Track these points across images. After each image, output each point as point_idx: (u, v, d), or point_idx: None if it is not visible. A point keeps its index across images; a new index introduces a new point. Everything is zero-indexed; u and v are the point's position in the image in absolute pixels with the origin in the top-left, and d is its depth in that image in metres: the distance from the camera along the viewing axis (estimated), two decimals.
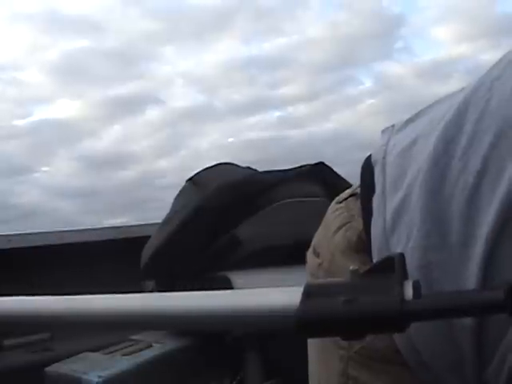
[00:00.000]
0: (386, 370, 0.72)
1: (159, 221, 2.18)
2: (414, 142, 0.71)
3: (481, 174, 0.60)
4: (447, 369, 0.67)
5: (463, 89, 0.69)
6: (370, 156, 0.78)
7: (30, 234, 2.58)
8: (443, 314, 0.49)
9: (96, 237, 2.70)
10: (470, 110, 0.64)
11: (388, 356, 0.70)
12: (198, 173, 2.13)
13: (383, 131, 0.80)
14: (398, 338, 0.69)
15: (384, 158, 0.74)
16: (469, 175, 0.61)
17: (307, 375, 0.85)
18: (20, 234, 2.54)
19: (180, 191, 2.15)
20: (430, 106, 0.77)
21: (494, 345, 0.61)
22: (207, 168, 2.16)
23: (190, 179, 2.12)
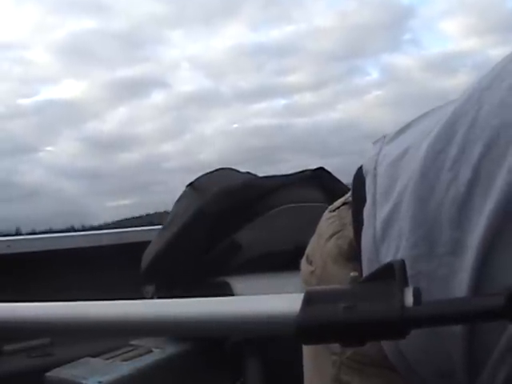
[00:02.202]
0: (377, 374, 0.72)
1: (159, 226, 2.18)
2: (404, 153, 0.72)
3: (472, 184, 0.61)
4: (436, 375, 0.67)
5: (453, 100, 0.70)
6: (361, 166, 0.79)
7: (29, 239, 2.58)
8: (443, 321, 0.49)
9: (96, 242, 2.70)
10: (459, 120, 0.65)
11: (379, 360, 0.70)
12: (197, 178, 2.14)
13: (375, 142, 0.81)
14: (385, 344, 0.69)
15: (375, 168, 0.75)
16: (460, 185, 0.61)
17: None
18: (19, 240, 2.55)
19: (180, 196, 2.15)
20: (420, 117, 0.77)
21: (487, 351, 0.61)
22: (207, 173, 2.17)
23: (190, 184, 2.12)
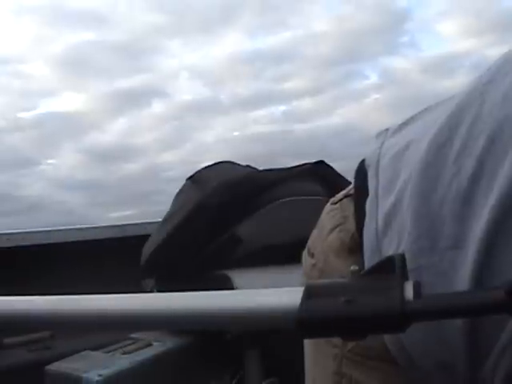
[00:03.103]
0: (378, 367, 0.73)
1: (159, 219, 2.18)
2: (407, 146, 0.72)
3: (475, 178, 0.61)
4: (437, 368, 0.67)
5: (456, 95, 0.69)
6: (364, 159, 0.79)
7: (28, 232, 2.58)
8: (443, 315, 0.49)
9: (96, 235, 2.70)
10: (463, 114, 0.65)
11: (380, 354, 0.71)
12: (197, 171, 2.13)
13: (377, 135, 0.81)
14: (387, 337, 0.69)
15: (377, 161, 0.75)
16: (463, 178, 0.61)
17: None
18: (19, 233, 2.54)
19: (180, 190, 2.15)
20: (423, 111, 0.77)
21: (489, 345, 0.61)
22: (207, 166, 2.16)
23: (190, 178, 2.12)
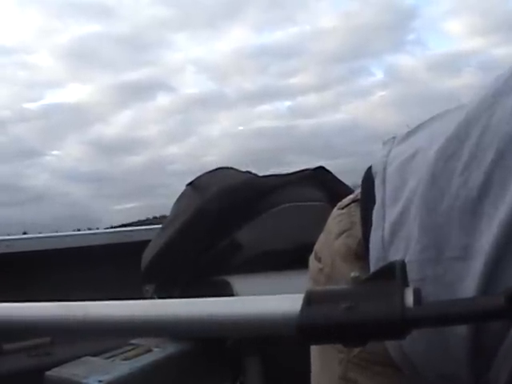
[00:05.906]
0: (384, 372, 0.73)
1: (159, 225, 2.18)
2: (414, 155, 0.71)
3: (483, 190, 0.60)
4: (440, 375, 0.67)
5: (465, 104, 0.69)
6: (370, 167, 0.79)
7: (28, 238, 2.58)
8: (443, 321, 0.49)
9: (96, 241, 2.70)
10: (472, 125, 0.65)
11: (386, 359, 0.71)
12: (198, 177, 2.14)
13: (384, 143, 0.81)
14: (389, 345, 0.69)
15: (384, 169, 0.75)
16: (471, 190, 0.61)
17: (307, 380, 0.85)
18: (19, 239, 2.54)
19: (180, 195, 2.15)
20: (431, 119, 0.77)
21: (492, 351, 0.61)
22: (207, 172, 2.16)
23: (190, 183, 2.12)
